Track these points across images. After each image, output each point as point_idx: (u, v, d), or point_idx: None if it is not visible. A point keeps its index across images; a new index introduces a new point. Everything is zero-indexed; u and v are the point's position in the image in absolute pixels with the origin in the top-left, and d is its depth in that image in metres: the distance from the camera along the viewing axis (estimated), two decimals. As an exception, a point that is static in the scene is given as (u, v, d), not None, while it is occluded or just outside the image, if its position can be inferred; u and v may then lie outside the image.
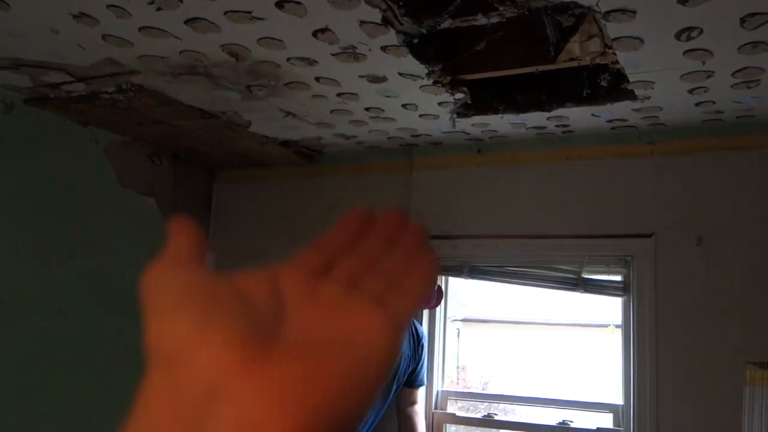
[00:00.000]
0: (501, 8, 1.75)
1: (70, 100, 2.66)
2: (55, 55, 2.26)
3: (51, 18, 1.95)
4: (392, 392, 2.73)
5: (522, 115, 2.58)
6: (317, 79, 2.32)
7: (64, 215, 2.92)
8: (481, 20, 1.83)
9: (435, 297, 2.79)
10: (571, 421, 2.87)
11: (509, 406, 4.26)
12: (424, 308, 2.80)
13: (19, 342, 2.74)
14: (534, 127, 2.78)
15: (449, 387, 3.27)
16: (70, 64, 2.33)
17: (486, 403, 4.20)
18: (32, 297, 2.79)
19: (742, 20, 1.71)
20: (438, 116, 2.67)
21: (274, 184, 3.61)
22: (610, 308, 3.12)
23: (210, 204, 3.73)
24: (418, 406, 2.86)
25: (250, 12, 1.84)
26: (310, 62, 2.17)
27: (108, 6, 1.84)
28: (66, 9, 1.88)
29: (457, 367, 3.34)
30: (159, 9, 1.85)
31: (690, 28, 1.78)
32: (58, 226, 2.90)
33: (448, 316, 3.27)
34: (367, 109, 2.64)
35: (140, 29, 1.99)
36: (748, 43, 1.85)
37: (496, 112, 2.53)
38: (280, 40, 2.02)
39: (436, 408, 3.09)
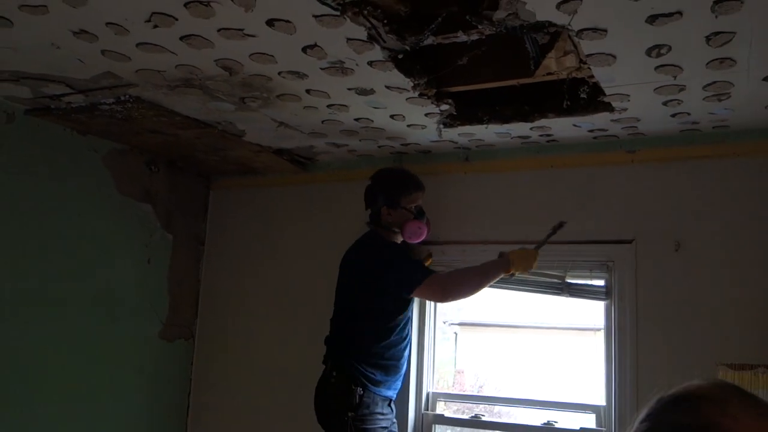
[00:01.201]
0: (480, 26, 1.84)
1: (70, 110, 2.76)
2: (55, 68, 2.35)
3: (52, 34, 2.04)
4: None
5: (506, 125, 2.67)
6: (308, 91, 2.41)
7: (65, 221, 3.02)
8: (462, 37, 1.92)
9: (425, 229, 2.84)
10: (555, 422, 2.95)
11: (499, 408, 4.35)
12: (415, 240, 2.84)
13: (18, 341, 2.82)
14: (519, 137, 2.88)
15: (438, 389, 3.35)
16: (70, 77, 2.43)
17: (481, 405, 4.28)
18: (33, 299, 2.88)
19: (707, 38, 1.81)
20: (425, 126, 2.76)
21: (269, 190, 3.70)
22: (592, 311, 3.21)
23: (206, 210, 3.82)
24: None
25: (242, 29, 1.93)
26: (301, 76, 2.27)
27: (107, 23, 1.94)
28: (67, 26, 1.98)
29: (455, 371, 3.42)
30: (156, 26, 1.94)
31: (659, 46, 1.88)
32: (58, 232, 2.99)
33: (443, 320, 3.36)
34: (356, 120, 2.73)
35: (138, 45, 2.08)
36: (715, 59, 1.94)
37: (481, 122, 2.62)
38: (271, 56, 2.12)
39: (426, 409, 3.17)
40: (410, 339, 2.91)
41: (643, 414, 0.86)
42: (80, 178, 3.09)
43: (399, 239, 2.86)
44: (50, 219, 2.95)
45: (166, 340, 3.53)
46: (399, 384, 2.84)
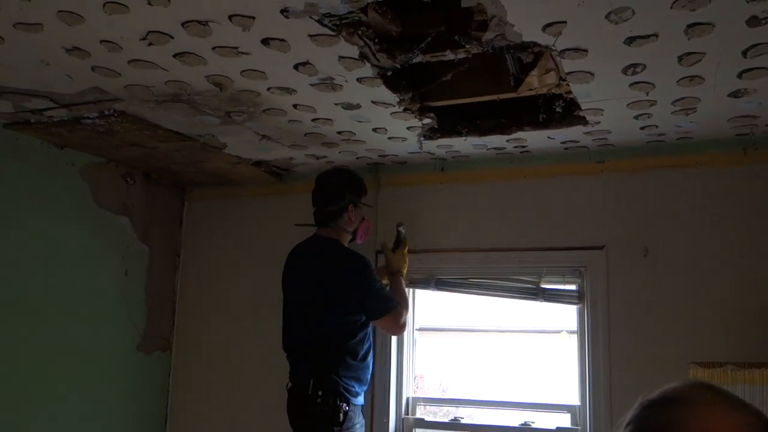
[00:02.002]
0: (467, 46, 1.94)
1: (51, 124, 2.75)
2: (41, 83, 2.35)
3: (43, 51, 2.06)
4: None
5: (484, 138, 2.78)
6: (295, 106, 2.47)
7: (43, 233, 3.00)
8: (449, 56, 2.01)
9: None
10: (532, 422, 3.06)
11: (473, 411, 4.44)
12: (362, 241, 2.88)
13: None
14: (494, 148, 2.98)
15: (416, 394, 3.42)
16: (54, 92, 2.43)
17: (448, 408, 4.36)
18: (9, 310, 2.85)
19: (680, 58, 1.94)
20: (406, 139, 2.85)
21: (244, 200, 3.73)
22: (562, 315, 3.33)
23: (181, 221, 3.82)
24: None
25: (236, 47, 1.98)
26: (290, 91, 2.32)
27: (101, 41, 1.96)
28: (60, 43, 1.99)
29: (414, 376, 3.49)
30: (150, 44, 1.97)
31: (635, 65, 2.00)
32: (37, 244, 2.97)
33: (414, 327, 3.44)
34: (339, 133, 2.80)
35: (130, 61, 2.11)
36: (686, 77, 2.08)
37: (460, 135, 2.71)
38: (263, 72, 2.17)
39: (406, 414, 3.25)
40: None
41: (627, 418, 0.95)
42: (58, 191, 3.07)
43: (347, 239, 2.83)
44: (28, 231, 2.93)
45: (144, 351, 3.52)
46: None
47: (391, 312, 2.71)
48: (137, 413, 3.47)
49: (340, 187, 2.80)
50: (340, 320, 2.68)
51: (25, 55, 2.09)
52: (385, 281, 2.93)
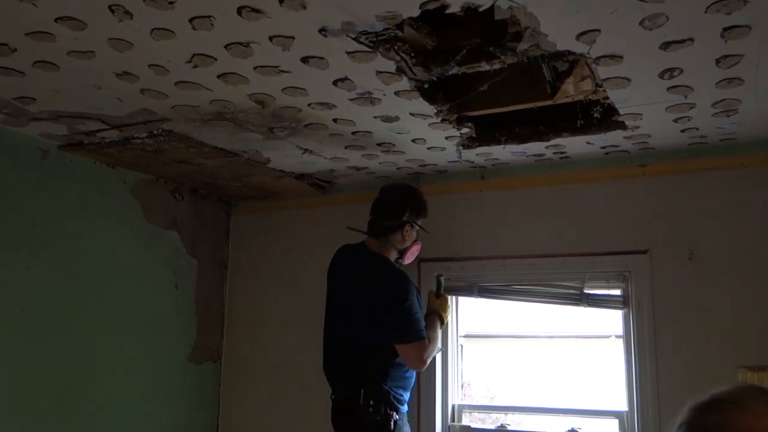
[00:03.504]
0: (502, 57, 1.97)
1: (103, 145, 2.87)
2: (93, 107, 2.47)
3: (95, 76, 2.16)
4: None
5: (523, 145, 2.79)
6: (335, 120, 2.53)
7: (98, 249, 3.13)
8: (484, 66, 2.04)
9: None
10: (579, 428, 3.04)
11: (522, 418, 4.42)
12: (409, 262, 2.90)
13: (53, 364, 2.92)
14: (533, 155, 2.99)
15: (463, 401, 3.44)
16: (106, 114, 2.54)
17: (497, 415, 4.36)
18: (70, 325, 2.98)
19: (717, 61, 1.93)
20: (445, 148, 2.88)
21: (289, 213, 3.81)
22: (611, 319, 3.30)
23: (228, 234, 3.93)
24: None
25: (277, 66, 2.05)
26: (330, 106, 2.39)
27: (149, 65, 2.06)
28: (110, 69, 2.09)
29: (462, 384, 3.50)
30: (195, 66, 2.06)
31: (671, 69, 2.00)
32: (92, 260, 3.09)
33: (458, 333, 3.46)
34: (379, 144, 2.85)
35: (176, 83, 2.20)
36: (724, 80, 2.06)
37: (499, 143, 2.73)
38: (303, 89, 2.23)
39: (452, 421, 3.26)
40: None
41: (678, 421, 0.97)
42: (111, 208, 3.20)
43: (394, 257, 2.83)
44: (82, 247, 3.06)
45: (195, 362, 3.62)
46: None
47: (417, 341, 2.66)
48: (189, 423, 3.57)
49: (402, 205, 2.80)
50: (386, 329, 2.69)
51: (78, 81, 2.20)
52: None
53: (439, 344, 2.90)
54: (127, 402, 3.23)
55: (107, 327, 3.15)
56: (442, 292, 3.14)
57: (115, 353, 3.18)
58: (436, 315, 2.96)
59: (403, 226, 2.79)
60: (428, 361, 2.75)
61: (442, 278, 3.18)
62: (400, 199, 2.82)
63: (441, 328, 2.95)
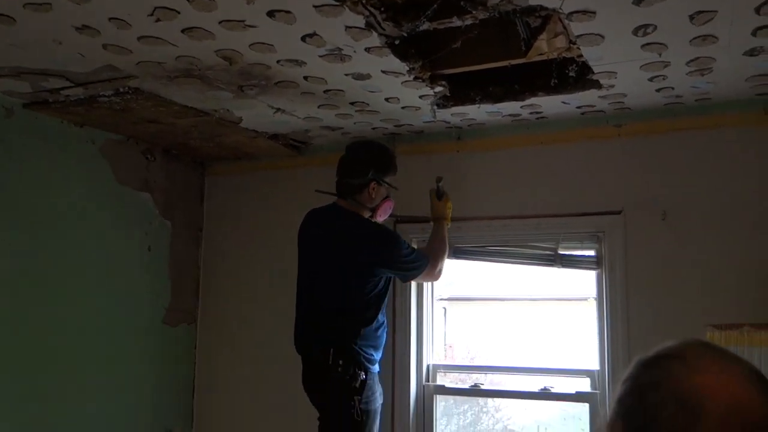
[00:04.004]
0: (474, 12, 1.92)
1: (69, 103, 2.80)
2: (55, 63, 2.39)
3: (54, 30, 2.09)
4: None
5: (498, 105, 2.76)
6: (306, 78, 2.48)
7: (66, 211, 3.07)
8: (456, 22, 1.99)
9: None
10: (552, 387, 3.08)
11: (495, 378, 4.48)
12: (383, 219, 2.89)
13: (21, 328, 2.89)
14: (509, 115, 2.96)
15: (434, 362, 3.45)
16: (69, 71, 2.47)
17: (478, 375, 4.40)
18: (36, 288, 2.95)
19: (691, 17, 1.89)
20: (419, 108, 2.84)
21: (264, 174, 3.76)
22: (586, 282, 3.32)
23: (202, 196, 3.88)
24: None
25: (243, 21, 1.99)
26: (299, 63, 2.33)
27: (110, 18, 1.99)
28: (69, 22, 2.02)
29: (445, 346, 3.51)
30: (158, 20, 1.99)
31: (645, 25, 1.96)
32: (60, 222, 3.04)
33: (435, 295, 3.46)
34: (352, 104, 2.80)
35: (139, 38, 2.13)
36: (698, 37, 2.03)
37: (473, 102, 2.70)
38: (271, 45, 2.17)
39: (427, 381, 3.29)
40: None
41: (624, 375, 0.96)
42: (79, 169, 3.13)
43: (366, 215, 2.82)
44: (50, 209, 3.00)
45: (170, 325, 3.60)
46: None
47: (425, 268, 2.81)
48: (164, 385, 3.56)
49: (366, 162, 2.77)
50: (359, 291, 2.70)
51: (37, 35, 2.12)
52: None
53: (447, 244, 2.99)
54: (101, 366, 3.20)
55: (77, 291, 3.11)
56: (443, 192, 3.03)
57: (86, 317, 3.14)
58: (442, 220, 3.01)
59: (369, 184, 2.76)
60: (443, 269, 2.94)
61: (441, 182, 3.02)
62: (364, 157, 2.79)
63: (448, 227, 3.03)
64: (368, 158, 2.78)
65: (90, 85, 2.60)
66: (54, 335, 2.99)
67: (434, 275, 2.92)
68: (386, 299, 2.83)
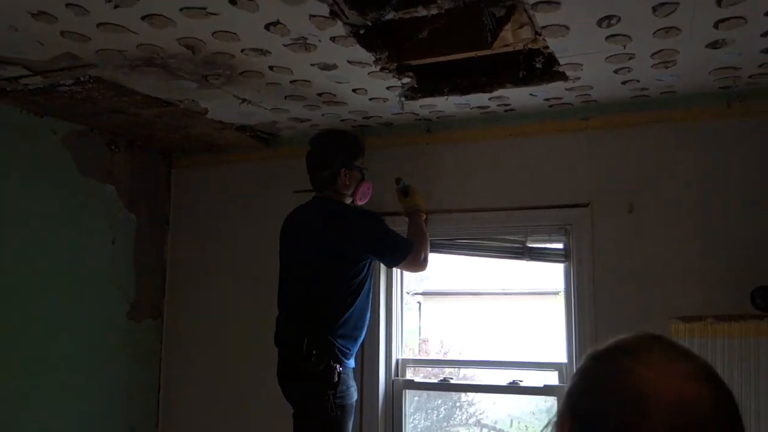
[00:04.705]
0: (439, 1, 1.90)
1: (28, 92, 2.73)
2: (12, 50, 2.32)
3: (9, 16, 2.03)
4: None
5: (465, 97, 2.75)
6: (271, 68, 2.44)
7: (27, 204, 3.00)
8: (421, 12, 1.97)
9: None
10: (521, 381, 3.09)
11: (467, 372, 4.49)
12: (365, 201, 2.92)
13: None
14: (477, 107, 2.95)
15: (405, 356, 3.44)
16: (27, 59, 2.40)
17: (451, 369, 4.41)
18: (-1, 286, 2.87)
19: (654, 9, 1.90)
20: (387, 99, 2.82)
21: (231, 166, 3.72)
22: (556, 277, 3.33)
23: (169, 188, 3.81)
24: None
25: (204, 8, 1.95)
26: (264, 53, 2.29)
27: (67, 5, 1.93)
28: (25, 8, 1.96)
29: (420, 340, 3.50)
30: (116, 6, 1.94)
31: (609, 16, 1.96)
32: (21, 214, 2.97)
33: (407, 290, 3.45)
34: (319, 95, 2.77)
35: (98, 25, 2.08)
36: (662, 29, 2.04)
37: (441, 94, 2.68)
38: (234, 33, 2.13)
39: (396, 375, 3.27)
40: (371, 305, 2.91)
41: (576, 369, 0.95)
42: (39, 160, 3.06)
43: (348, 202, 2.85)
44: (10, 202, 2.93)
45: (135, 320, 3.54)
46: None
47: (408, 255, 2.81)
48: (130, 380, 3.50)
49: (331, 152, 2.79)
50: (340, 280, 2.70)
51: (-8, 21, 2.06)
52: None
53: (426, 234, 2.99)
54: (63, 363, 3.14)
55: (39, 286, 3.04)
56: (407, 187, 3.06)
57: (49, 313, 3.08)
58: (417, 211, 3.03)
59: (340, 171, 2.78)
60: (428, 258, 2.93)
61: (401, 183, 3.05)
62: (328, 147, 2.82)
63: (424, 217, 3.06)
64: (332, 147, 2.81)
65: (49, 74, 2.53)
66: (13, 332, 2.92)
67: (419, 263, 2.89)
68: (370, 293, 2.83)
